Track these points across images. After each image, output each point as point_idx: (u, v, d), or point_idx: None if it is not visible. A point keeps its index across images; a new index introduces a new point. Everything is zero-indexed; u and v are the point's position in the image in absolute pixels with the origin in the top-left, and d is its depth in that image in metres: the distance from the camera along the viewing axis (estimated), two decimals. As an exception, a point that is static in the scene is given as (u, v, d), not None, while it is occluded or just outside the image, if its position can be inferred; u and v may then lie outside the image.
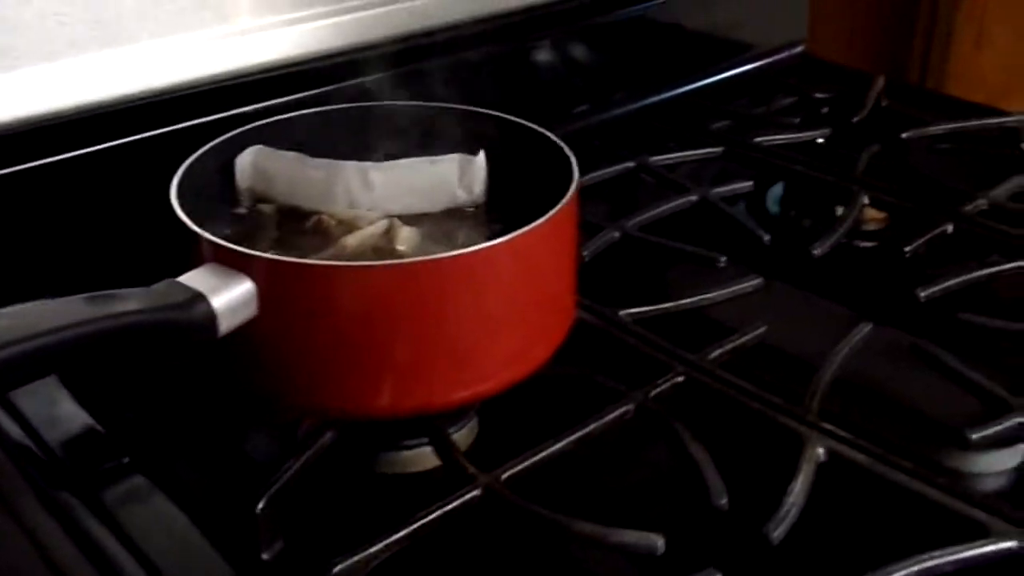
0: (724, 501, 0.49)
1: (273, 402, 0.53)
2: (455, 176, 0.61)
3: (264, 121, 0.61)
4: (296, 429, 0.55)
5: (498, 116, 0.62)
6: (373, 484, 0.55)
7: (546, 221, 0.52)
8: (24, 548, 0.54)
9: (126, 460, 0.53)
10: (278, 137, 0.61)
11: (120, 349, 0.45)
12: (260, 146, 0.60)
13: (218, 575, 0.47)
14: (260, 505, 0.48)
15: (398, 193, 0.60)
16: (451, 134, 0.62)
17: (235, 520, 0.49)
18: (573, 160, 0.56)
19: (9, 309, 0.43)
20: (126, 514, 0.50)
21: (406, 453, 0.55)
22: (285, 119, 0.62)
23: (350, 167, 0.61)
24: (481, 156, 0.61)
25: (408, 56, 0.72)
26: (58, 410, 0.56)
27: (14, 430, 0.55)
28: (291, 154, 0.61)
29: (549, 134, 0.59)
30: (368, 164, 0.61)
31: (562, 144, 0.58)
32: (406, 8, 0.74)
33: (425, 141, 0.62)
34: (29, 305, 0.44)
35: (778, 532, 0.47)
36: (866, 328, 0.60)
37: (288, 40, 0.69)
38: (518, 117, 0.61)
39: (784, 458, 0.51)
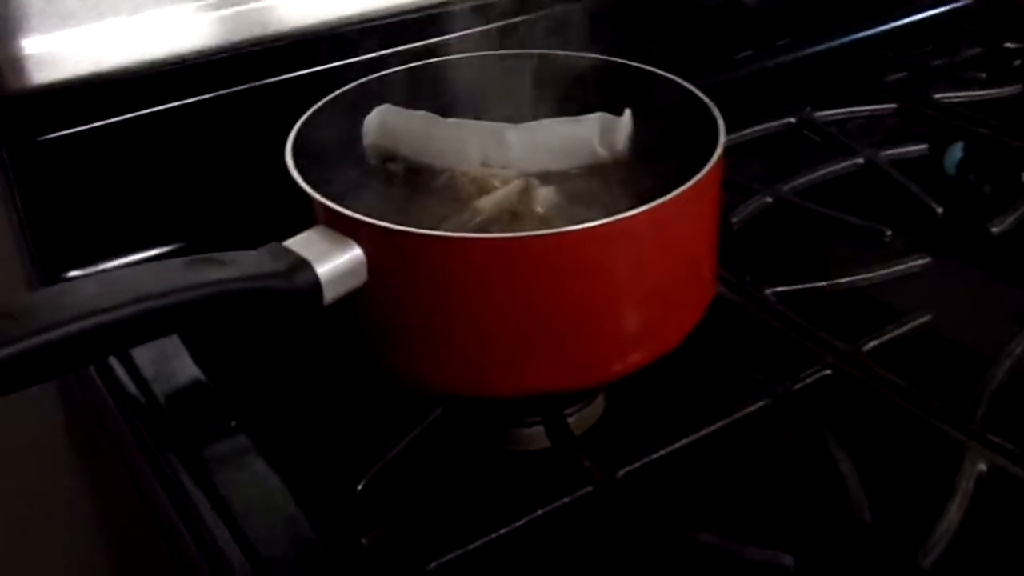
0: (867, 515, 0.44)
1: (381, 374, 0.50)
2: (596, 135, 0.56)
3: (390, 70, 0.57)
4: (408, 400, 0.52)
5: (642, 68, 0.57)
6: (486, 462, 0.52)
7: (688, 189, 0.47)
8: (134, 499, 0.54)
9: (233, 423, 0.51)
10: (404, 87, 0.57)
11: (221, 315, 0.43)
12: (388, 105, 0.57)
13: (311, 553, 0.45)
14: (360, 486, 0.46)
15: (535, 152, 0.56)
16: (592, 86, 0.58)
17: (336, 497, 0.47)
18: (720, 121, 0.51)
19: (106, 275, 0.41)
20: (226, 479, 0.49)
21: (526, 431, 0.52)
22: (410, 68, 0.58)
23: (484, 127, 0.57)
24: (627, 115, 0.56)
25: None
26: (173, 366, 0.55)
27: (128, 384, 0.54)
28: (420, 113, 0.57)
29: (695, 90, 0.54)
30: (503, 125, 0.57)
31: (709, 102, 0.53)
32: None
33: (563, 93, 0.58)
34: (127, 271, 0.42)
35: (930, 559, 0.42)
36: (1047, 321, 0.53)
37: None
38: (676, 63, 0.56)
39: (940, 470, 0.46)
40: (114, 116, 0.58)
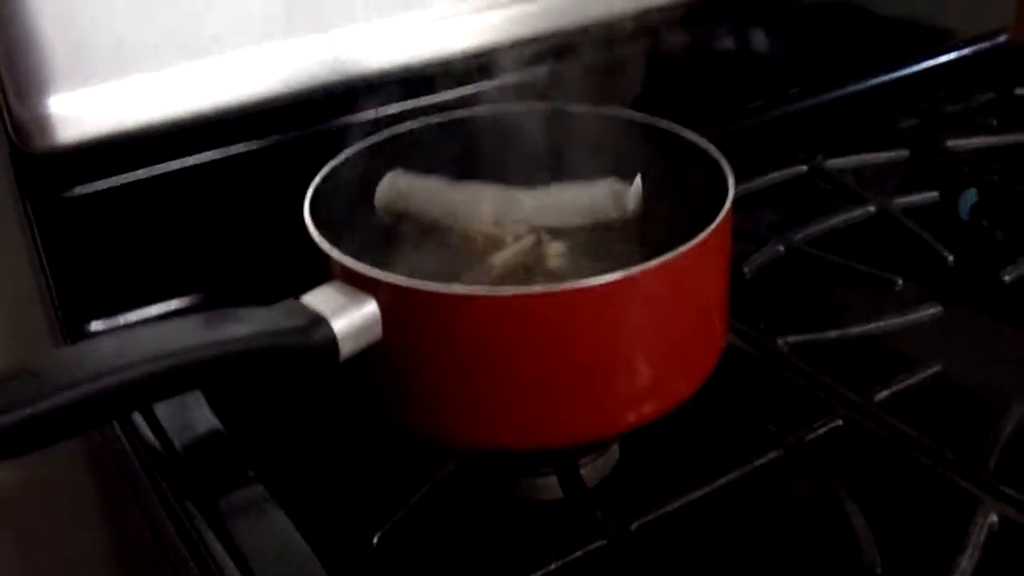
0: (878, 567, 0.44)
1: (396, 427, 0.51)
2: (608, 199, 0.57)
3: (404, 126, 0.58)
4: (424, 453, 0.52)
5: (651, 122, 0.57)
6: (501, 513, 0.52)
7: (698, 243, 0.48)
8: (153, 548, 0.54)
9: (251, 474, 0.52)
10: (418, 143, 0.58)
11: (239, 371, 0.44)
12: (399, 170, 0.58)
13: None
14: (376, 538, 0.46)
15: (547, 212, 0.58)
16: (600, 139, 0.58)
17: (352, 549, 0.47)
18: (729, 175, 0.52)
19: (126, 333, 0.42)
20: (243, 528, 0.49)
21: (539, 480, 0.52)
22: (423, 124, 0.59)
23: (497, 190, 0.58)
24: (638, 181, 0.57)
25: (566, 51, 0.68)
26: (191, 416, 0.56)
27: (147, 433, 0.55)
28: (432, 178, 0.58)
29: (705, 143, 0.54)
30: (516, 190, 0.58)
31: (719, 155, 0.53)
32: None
33: (572, 145, 0.59)
34: (146, 328, 0.43)
35: (940, 612, 0.42)
36: (1059, 372, 0.54)
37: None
38: (687, 112, 0.57)
39: (952, 521, 0.46)
40: (136, 172, 0.60)
